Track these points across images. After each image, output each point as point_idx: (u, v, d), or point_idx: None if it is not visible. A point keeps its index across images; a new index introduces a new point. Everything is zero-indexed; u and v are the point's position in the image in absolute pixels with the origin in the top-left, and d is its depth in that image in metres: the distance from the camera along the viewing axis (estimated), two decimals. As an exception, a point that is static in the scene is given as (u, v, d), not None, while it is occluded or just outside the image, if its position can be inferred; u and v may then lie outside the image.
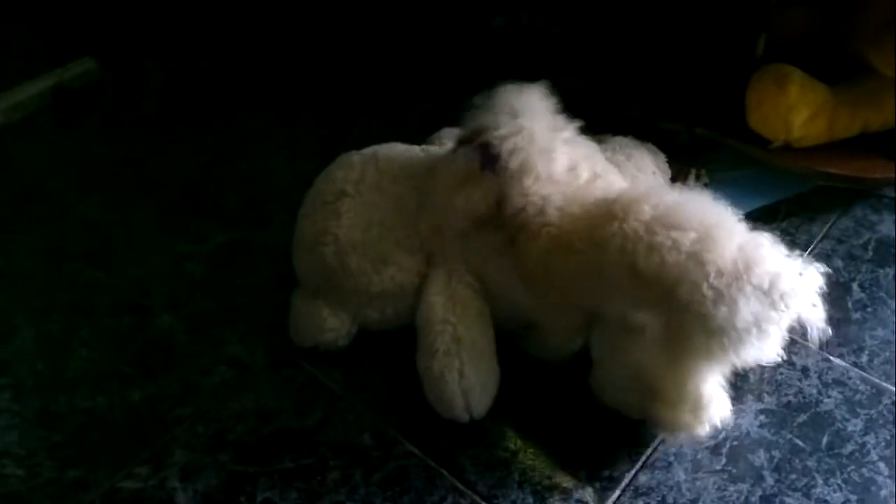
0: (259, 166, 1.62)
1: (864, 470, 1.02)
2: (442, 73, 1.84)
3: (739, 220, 0.95)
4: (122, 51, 1.94)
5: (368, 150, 1.23)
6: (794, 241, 1.34)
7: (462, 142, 1.07)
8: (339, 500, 1.04)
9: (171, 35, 2.01)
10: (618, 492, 1.02)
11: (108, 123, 1.77)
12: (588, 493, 1.03)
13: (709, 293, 0.88)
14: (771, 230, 0.91)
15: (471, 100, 1.05)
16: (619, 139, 1.34)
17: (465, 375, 1.08)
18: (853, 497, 1.00)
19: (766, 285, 0.88)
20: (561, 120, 1.05)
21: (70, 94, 1.81)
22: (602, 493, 1.02)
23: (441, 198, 1.09)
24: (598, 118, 1.16)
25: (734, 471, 1.03)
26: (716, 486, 1.02)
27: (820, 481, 1.01)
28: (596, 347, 1.10)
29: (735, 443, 1.07)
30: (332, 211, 1.16)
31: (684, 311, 0.91)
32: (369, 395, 1.17)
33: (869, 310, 1.23)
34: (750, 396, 1.12)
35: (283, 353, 1.23)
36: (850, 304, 1.23)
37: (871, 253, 1.32)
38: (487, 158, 1.02)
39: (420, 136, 1.38)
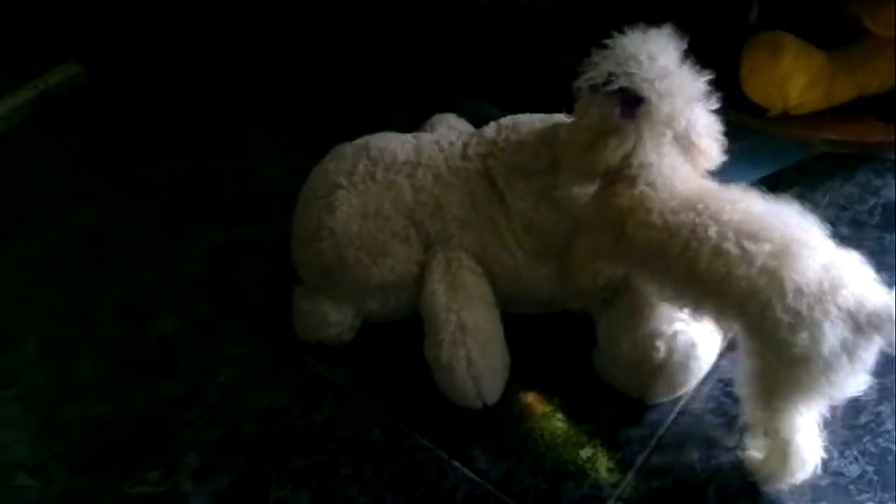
0: (252, 163, 1.60)
1: (879, 440, 1.01)
2: (430, 58, 1.82)
3: (825, 237, 0.86)
4: (106, 52, 1.91)
5: (360, 141, 1.22)
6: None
7: (592, 89, 0.92)
8: (352, 497, 1.04)
9: (155, 35, 1.98)
10: (631, 474, 1.01)
11: (96, 128, 1.75)
12: (601, 477, 1.02)
13: (784, 317, 0.80)
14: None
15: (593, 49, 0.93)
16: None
17: (473, 362, 1.07)
18: (870, 468, 0.99)
19: (852, 307, 0.80)
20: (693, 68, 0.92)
21: (56, 100, 1.79)
22: (615, 476, 1.02)
23: (572, 159, 0.98)
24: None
25: (750, 447, 1.02)
26: (731, 465, 1.00)
27: (836, 454, 1.00)
28: (602, 326, 1.09)
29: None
30: (326, 204, 1.15)
31: (758, 334, 0.84)
32: (376, 388, 1.16)
33: (876, 277, 1.21)
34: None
35: (288, 351, 1.22)
36: (857, 272, 1.21)
37: (876, 218, 1.30)
38: (627, 104, 0.89)
39: (412, 124, 1.37)
